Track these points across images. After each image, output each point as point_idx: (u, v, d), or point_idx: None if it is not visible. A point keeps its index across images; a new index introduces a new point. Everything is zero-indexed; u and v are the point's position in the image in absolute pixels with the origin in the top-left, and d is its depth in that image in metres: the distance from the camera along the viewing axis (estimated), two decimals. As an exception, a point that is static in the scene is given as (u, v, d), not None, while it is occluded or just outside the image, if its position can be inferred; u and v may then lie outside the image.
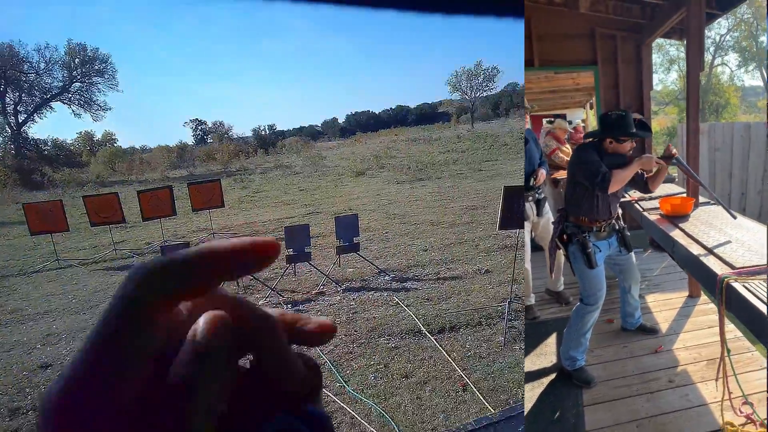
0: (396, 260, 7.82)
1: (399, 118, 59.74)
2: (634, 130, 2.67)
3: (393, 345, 4.96)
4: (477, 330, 5.11)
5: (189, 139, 48.40)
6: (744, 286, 1.98)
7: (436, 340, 4.98)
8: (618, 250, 2.91)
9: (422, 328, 5.23)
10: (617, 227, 2.87)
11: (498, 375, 4.24)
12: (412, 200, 13.18)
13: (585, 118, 5.92)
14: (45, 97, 32.82)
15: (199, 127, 53.40)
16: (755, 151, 5.00)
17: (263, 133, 46.43)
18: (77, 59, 33.42)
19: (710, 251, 2.41)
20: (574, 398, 2.59)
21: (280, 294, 6.70)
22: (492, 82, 49.14)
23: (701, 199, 3.40)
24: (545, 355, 3.04)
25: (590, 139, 2.84)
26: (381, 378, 4.37)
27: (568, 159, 4.45)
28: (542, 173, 3.63)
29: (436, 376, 4.31)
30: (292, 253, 6.97)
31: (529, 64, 4.47)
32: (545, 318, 3.53)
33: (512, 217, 5.28)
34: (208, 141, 49.20)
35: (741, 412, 2.41)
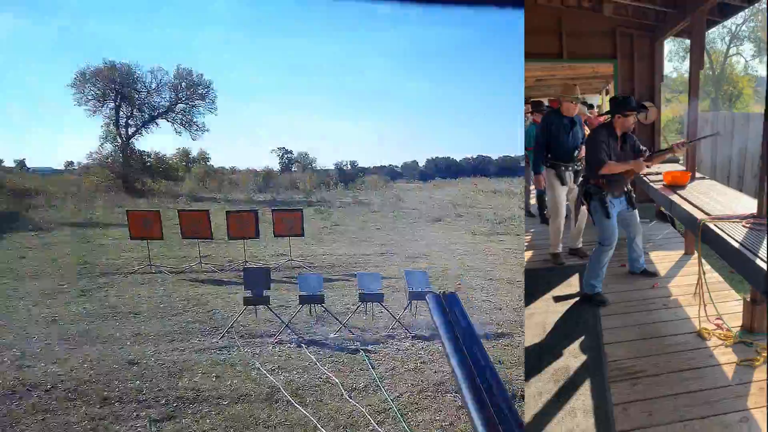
0: (468, 314, 7.74)
1: (480, 167, 59.59)
2: (634, 106, 3.80)
3: (460, 404, 4.90)
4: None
5: (275, 166, 50.78)
6: (715, 225, 3.11)
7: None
8: (625, 207, 3.88)
9: (491, 389, 5.12)
10: (626, 189, 3.85)
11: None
12: (488, 254, 13.06)
13: (600, 104, 6.57)
14: (153, 114, 35.89)
15: (285, 155, 55.87)
16: (753, 139, 5.70)
17: (345, 167, 47.91)
18: (183, 83, 36.46)
19: (696, 206, 3.60)
20: (593, 311, 3.65)
21: (350, 331, 6.83)
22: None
23: (697, 175, 4.52)
24: (570, 286, 4.09)
25: (605, 118, 3.86)
26: (445, 433, 4.32)
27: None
28: (583, 149, 4.47)
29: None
30: (364, 292, 7.13)
31: (558, 56, 5.25)
32: (569, 264, 4.46)
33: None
34: (293, 169, 51.33)
35: (712, 322, 3.42)
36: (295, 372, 5.52)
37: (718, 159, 5.14)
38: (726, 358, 3.09)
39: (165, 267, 10.54)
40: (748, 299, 3.30)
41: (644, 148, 3.88)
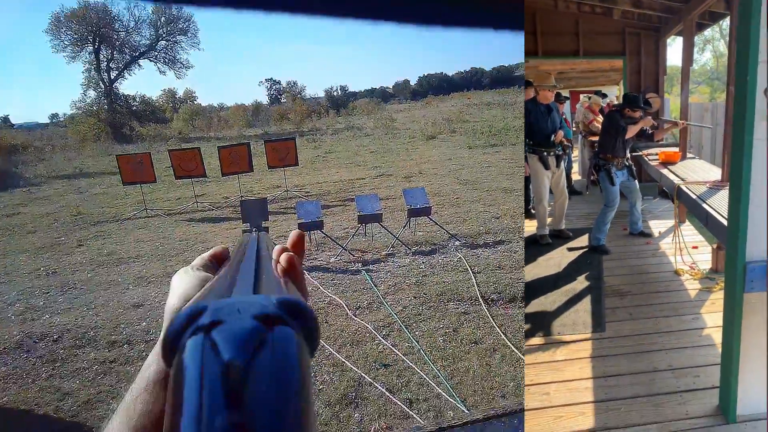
0: (467, 226, 7.73)
1: (473, 81, 58.04)
2: (641, 105, 4.60)
3: (462, 310, 4.95)
4: (550, 301, 5.01)
5: (264, 99, 49.47)
6: (686, 188, 4.22)
7: (506, 308, 4.92)
8: (627, 178, 4.70)
9: (492, 296, 5.17)
10: (627, 164, 4.69)
11: (571, 348, 4.15)
12: (484, 166, 12.90)
13: (618, 95, 7.29)
14: (134, 54, 34.43)
15: (274, 87, 54.27)
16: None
17: (335, 93, 46.70)
18: (163, 18, 34.68)
19: (676, 175, 4.77)
20: (597, 257, 4.58)
21: (351, 253, 6.84)
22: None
23: (688, 155, 5.53)
24: (581, 242, 4.95)
25: (616, 108, 4.76)
26: (450, 342, 4.39)
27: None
28: (560, 133, 4.93)
29: (505, 344, 4.28)
30: (362, 213, 7.08)
31: (575, 53, 6.14)
32: (580, 227, 5.32)
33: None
34: (282, 101, 50.02)
35: (686, 263, 4.37)
36: (298, 298, 5.56)
37: (717, 145, 6.14)
38: (693, 286, 4.15)
39: (161, 209, 10.46)
40: (715, 247, 4.31)
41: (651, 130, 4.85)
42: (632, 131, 4.57)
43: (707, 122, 6.60)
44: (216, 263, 0.55)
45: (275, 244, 0.54)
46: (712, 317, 3.55)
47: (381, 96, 55.94)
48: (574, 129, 7.56)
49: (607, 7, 5.90)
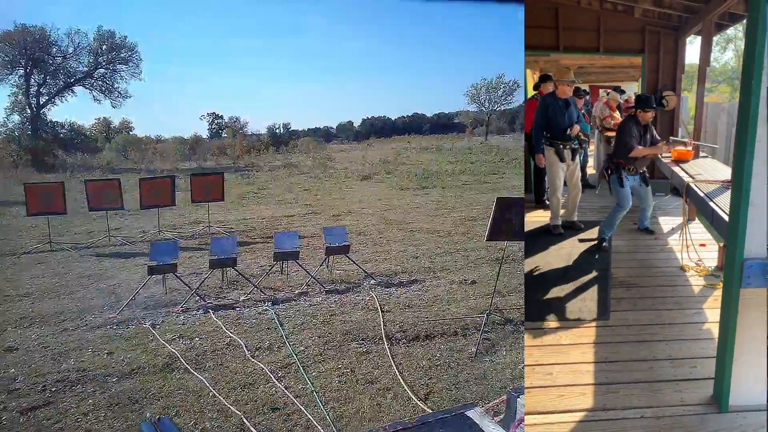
0: (385, 265, 7.69)
1: (414, 125, 59.57)
2: (654, 105, 4.64)
3: (364, 350, 4.82)
4: (451, 340, 4.97)
5: (204, 132, 48.57)
6: (695, 186, 4.29)
7: (408, 347, 4.84)
8: (639, 184, 4.75)
9: (396, 334, 5.09)
10: (640, 171, 4.70)
11: (463, 386, 4.09)
12: (412, 207, 13.05)
13: (637, 91, 7.52)
14: (69, 81, 33.06)
15: (215, 121, 53.52)
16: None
17: (278, 131, 46.54)
18: (105, 46, 33.62)
19: (687, 173, 4.80)
20: (606, 251, 4.64)
21: (262, 291, 6.61)
22: (511, 96, 48.67)
23: (701, 154, 5.75)
24: (592, 233, 4.99)
25: (631, 113, 4.70)
26: (345, 382, 4.23)
27: (617, 123, 6.36)
28: (576, 127, 4.99)
29: (400, 383, 4.17)
30: (279, 250, 6.90)
31: (595, 50, 6.24)
32: (590, 220, 5.42)
33: (502, 229, 5.18)
34: (223, 136, 49.26)
35: (692, 260, 4.46)
36: (197, 339, 5.26)
37: (731, 144, 6.25)
38: (697, 282, 4.22)
39: (68, 243, 9.80)
40: (722, 245, 4.23)
41: (659, 138, 4.85)
42: (639, 152, 4.53)
43: (723, 121, 6.76)
44: None
45: None
46: (714, 312, 3.57)
47: (324, 135, 56.25)
48: (591, 124, 7.66)
49: (629, 5, 6.10)
